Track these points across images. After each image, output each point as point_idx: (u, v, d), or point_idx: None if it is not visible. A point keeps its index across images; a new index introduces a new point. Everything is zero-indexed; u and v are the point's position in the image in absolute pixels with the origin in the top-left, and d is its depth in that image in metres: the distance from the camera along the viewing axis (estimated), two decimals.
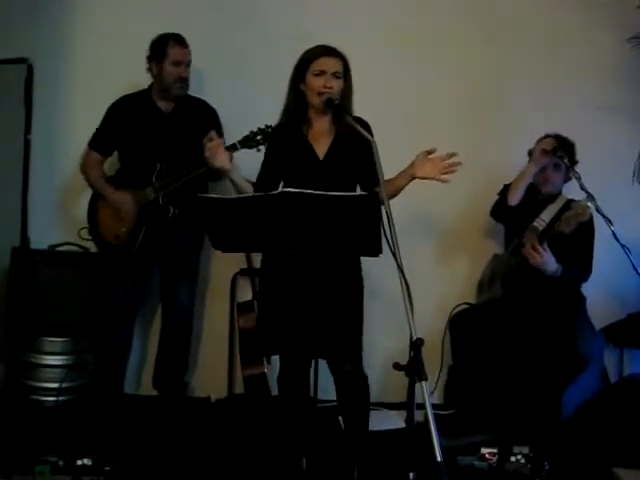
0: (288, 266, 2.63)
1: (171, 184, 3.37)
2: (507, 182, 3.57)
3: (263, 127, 3.18)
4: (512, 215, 3.48)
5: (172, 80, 3.40)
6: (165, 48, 3.38)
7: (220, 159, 2.64)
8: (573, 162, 3.44)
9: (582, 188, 3.32)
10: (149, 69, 3.45)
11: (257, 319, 2.75)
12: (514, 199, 3.45)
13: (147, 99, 3.49)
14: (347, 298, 2.69)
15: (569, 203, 3.39)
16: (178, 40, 3.41)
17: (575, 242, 3.22)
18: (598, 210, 3.19)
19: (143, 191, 3.40)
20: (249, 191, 2.67)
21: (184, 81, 3.43)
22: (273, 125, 2.97)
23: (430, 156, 2.65)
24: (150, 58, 3.43)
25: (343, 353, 2.68)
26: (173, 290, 3.59)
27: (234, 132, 3.34)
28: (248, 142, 3.22)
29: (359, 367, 2.73)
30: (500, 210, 3.55)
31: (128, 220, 3.42)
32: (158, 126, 3.45)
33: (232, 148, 3.24)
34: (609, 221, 3.13)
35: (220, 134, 3.47)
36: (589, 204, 3.12)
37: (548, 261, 3.22)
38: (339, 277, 2.67)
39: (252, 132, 3.22)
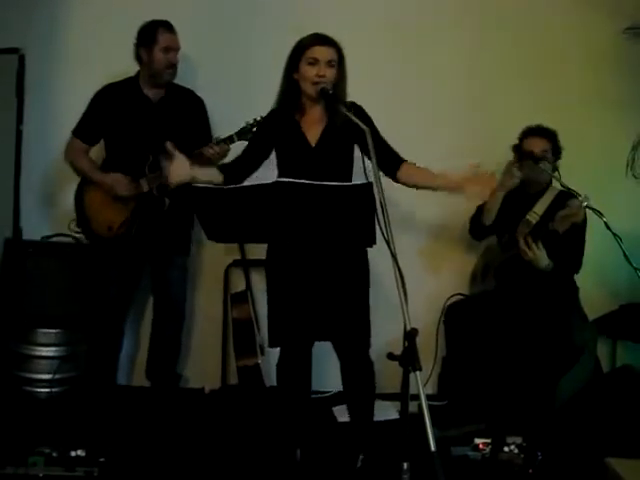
0: (294, 254, 2.63)
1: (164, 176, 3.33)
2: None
3: (259, 118, 3.10)
4: (490, 232, 3.52)
5: (162, 66, 3.36)
6: (155, 34, 3.34)
7: (177, 176, 2.59)
8: (558, 150, 3.45)
9: (563, 186, 3.34)
10: (137, 56, 3.40)
11: (268, 310, 2.74)
12: (489, 220, 3.49)
13: (134, 87, 3.44)
14: (354, 281, 2.69)
15: (562, 196, 3.40)
16: (167, 26, 3.38)
17: (567, 235, 3.23)
18: (588, 205, 3.18)
19: (136, 182, 3.37)
20: (219, 181, 2.66)
21: (174, 67, 3.39)
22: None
23: (480, 179, 2.58)
24: (139, 45, 3.38)
25: (355, 335, 2.68)
26: (165, 282, 3.56)
27: (229, 122, 3.31)
28: (245, 134, 3.20)
29: (367, 351, 2.73)
30: (478, 231, 3.59)
31: (125, 200, 3.35)
32: (146, 115, 3.41)
33: (229, 140, 3.24)
34: (600, 213, 3.13)
35: (206, 125, 3.50)
36: (584, 204, 3.10)
37: (541, 258, 3.24)
38: (345, 261, 2.67)
39: (248, 124, 3.20)
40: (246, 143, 3.08)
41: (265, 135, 2.76)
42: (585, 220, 3.29)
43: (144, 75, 3.43)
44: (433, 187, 2.70)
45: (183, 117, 3.41)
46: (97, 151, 3.55)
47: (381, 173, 2.42)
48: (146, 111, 3.41)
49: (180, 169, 2.60)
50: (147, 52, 3.37)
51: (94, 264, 3.48)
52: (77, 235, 3.51)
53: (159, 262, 3.56)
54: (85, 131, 3.45)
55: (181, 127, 3.36)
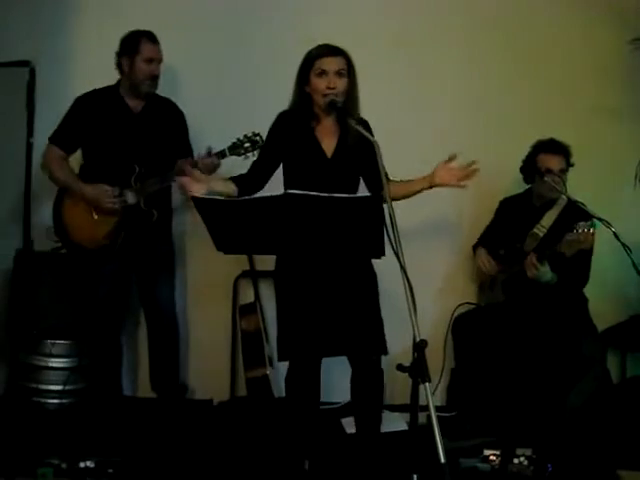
0: (303, 267, 2.64)
1: (152, 187, 3.31)
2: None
3: (250, 135, 3.15)
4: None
5: (143, 77, 3.33)
6: (138, 44, 3.32)
7: (195, 190, 2.59)
8: (570, 165, 3.44)
9: (570, 198, 3.33)
10: (118, 65, 3.38)
11: (278, 323, 2.76)
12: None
13: (115, 96, 3.40)
14: (364, 292, 2.71)
15: (569, 207, 3.38)
16: (150, 37, 3.35)
17: (574, 256, 3.20)
18: (595, 216, 3.17)
19: (121, 193, 3.33)
20: (233, 192, 2.70)
21: (155, 79, 3.37)
22: (260, 134, 3.05)
23: (450, 165, 2.68)
24: (121, 54, 3.36)
25: (373, 344, 2.69)
26: (152, 293, 3.53)
27: (225, 135, 3.30)
28: (236, 149, 3.19)
29: (380, 360, 2.74)
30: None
31: (110, 212, 3.30)
32: (129, 125, 3.38)
33: (220, 155, 3.22)
34: (609, 224, 3.12)
35: (186, 136, 3.49)
36: (592, 230, 3.06)
37: (545, 274, 3.25)
38: (353, 272, 2.68)
39: (239, 140, 3.19)
40: (235, 158, 3.16)
41: (278, 140, 2.75)
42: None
43: (125, 85, 3.40)
44: (411, 192, 2.77)
45: (164, 128, 3.40)
46: (73, 160, 3.50)
47: None
48: (128, 121, 3.38)
49: (199, 182, 2.62)
50: (129, 62, 3.34)
51: (83, 272, 3.44)
52: (56, 244, 3.46)
53: (144, 278, 3.51)
54: (64, 138, 3.38)
55: (162, 138, 3.36)
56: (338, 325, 2.65)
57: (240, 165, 3.03)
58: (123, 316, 3.62)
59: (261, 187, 2.74)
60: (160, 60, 3.39)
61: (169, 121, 3.45)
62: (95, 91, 3.43)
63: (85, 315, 3.46)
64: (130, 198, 3.33)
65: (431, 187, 2.72)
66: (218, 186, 2.69)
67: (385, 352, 2.71)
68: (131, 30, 3.36)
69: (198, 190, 2.58)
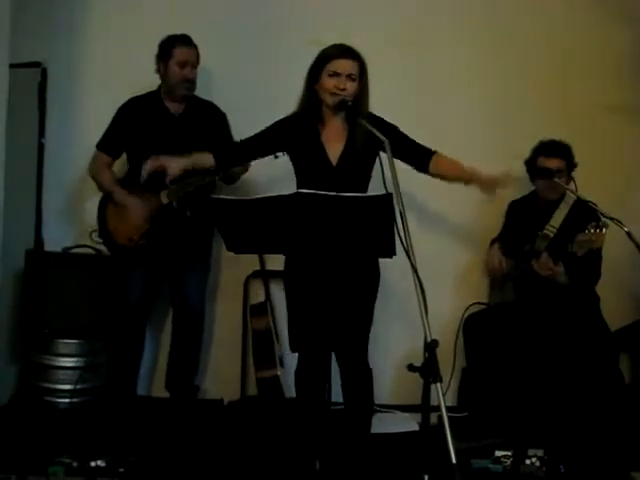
0: (312, 266, 2.64)
1: (185, 189, 3.33)
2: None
3: None
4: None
5: (177, 80, 3.39)
6: (171, 48, 3.38)
7: (172, 171, 2.82)
8: (573, 165, 3.43)
9: (580, 198, 3.33)
10: (157, 69, 3.45)
11: (288, 317, 2.80)
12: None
13: (156, 100, 3.48)
14: (362, 291, 2.71)
15: (578, 206, 3.37)
16: (185, 41, 3.41)
17: (585, 255, 3.19)
18: (606, 215, 3.15)
19: (156, 195, 3.37)
20: (210, 164, 2.82)
21: (189, 82, 3.42)
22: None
23: (497, 182, 2.70)
24: (158, 58, 3.43)
25: (352, 344, 2.70)
26: (184, 293, 3.58)
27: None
28: None
29: (365, 358, 2.73)
30: None
31: (137, 224, 3.39)
32: (168, 128, 3.43)
33: None
34: (621, 223, 3.10)
35: (229, 137, 3.51)
36: (604, 230, 3.05)
37: (560, 274, 3.25)
38: (358, 271, 2.68)
39: None
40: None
41: (280, 135, 2.75)
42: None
43: (163, 88, 3.47)
44: (455, 179, 2.74)
45: (204, 130, 3.42)
46: (121, 164, 3.58)
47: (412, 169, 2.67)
48: (167, 124, 3.44)
49: (175, 162, 2.82)
50: (164, 66, 3.41)
51: (114, 273, 3.50)
52: (98, 246, 3.54)
53: (177, 275, 3.56)
54: (109, 144, 3.49)
55: (203, 140, 3.34)
56: (330, 322, 2.67)
57: (268, 165, 3.03)
58: (148, 316, 3.65)
59: (240, 163, 3.00)
60: (195, 63, 3.43)
61: (209, 123, 3.48)
62: (138, 97, 3.50)
63: (112, 317, 3.49)
64: (164, 198, 3.36)
65: (466, 184, 2.71)
66: (198, 161, 2.83)
67: (365, 351, 2.71)
68: (168, 35, 3.42)
69: (174, 169, 2.81)
